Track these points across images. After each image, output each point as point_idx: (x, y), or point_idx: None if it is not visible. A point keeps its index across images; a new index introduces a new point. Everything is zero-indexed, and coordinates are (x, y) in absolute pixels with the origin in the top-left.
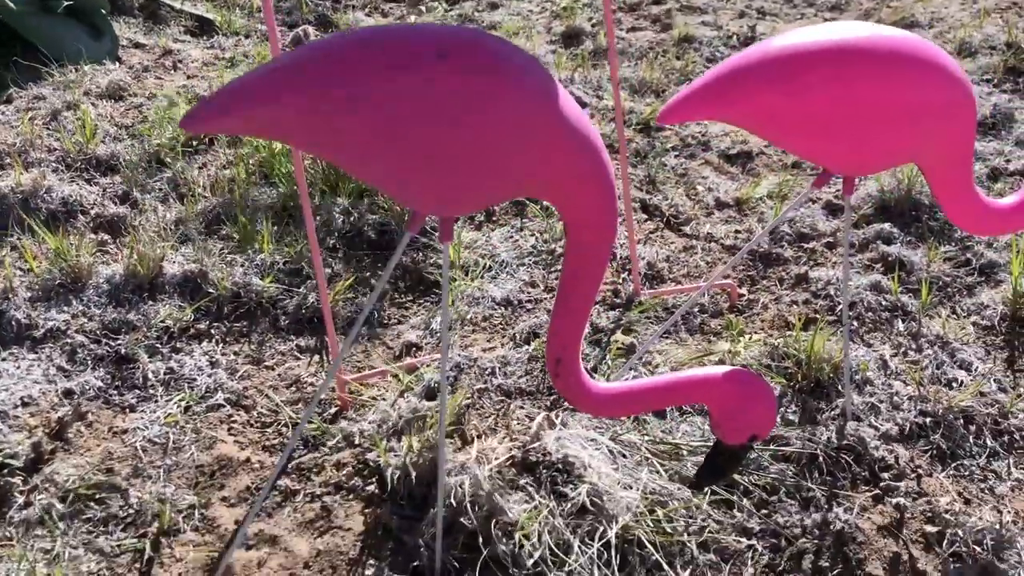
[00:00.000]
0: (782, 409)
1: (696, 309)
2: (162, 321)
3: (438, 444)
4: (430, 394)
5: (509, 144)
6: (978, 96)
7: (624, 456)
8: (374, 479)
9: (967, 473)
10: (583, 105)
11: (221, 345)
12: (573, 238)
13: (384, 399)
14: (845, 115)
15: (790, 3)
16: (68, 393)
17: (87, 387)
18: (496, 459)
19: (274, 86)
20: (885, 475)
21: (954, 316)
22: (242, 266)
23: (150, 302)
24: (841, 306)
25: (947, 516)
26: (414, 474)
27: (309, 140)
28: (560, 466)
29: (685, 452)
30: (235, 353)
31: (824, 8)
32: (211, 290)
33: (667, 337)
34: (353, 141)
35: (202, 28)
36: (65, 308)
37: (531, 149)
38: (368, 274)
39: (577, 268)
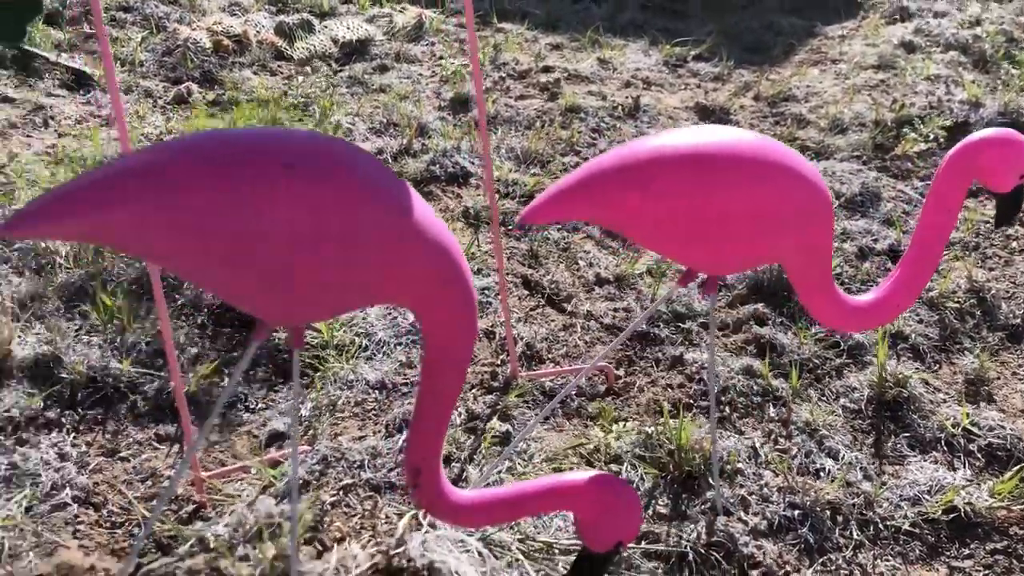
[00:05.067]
0: (654, 502)
1: (574, 392)
2: (6, 411)
3: (291, 558)
4: None
5: (358, 254)
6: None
7: (496, 557)
8: None
9: (833, 568)
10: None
11: (73, 435)
12: (432, 345)
13: (246, 496)
14: (702, 220)
15: (675, 73)
16: None
17: None
18: (357, 567)
19: (104, 197)
20: (754, 572)
21: (823, 399)
22: (100, 347)
23: None
24: (709, 400)
25: None
26: None
27: (143, 251)
28: (426, 574)
29: (557, 551)
30: (88, 444)
31: (708, 79)
32: (64, 375)
33: (543, 423)
34: (190, 253)
35: (79, 82)
36: None
37: (382, 258)
38: (236, 353)
39: (438, 376)
